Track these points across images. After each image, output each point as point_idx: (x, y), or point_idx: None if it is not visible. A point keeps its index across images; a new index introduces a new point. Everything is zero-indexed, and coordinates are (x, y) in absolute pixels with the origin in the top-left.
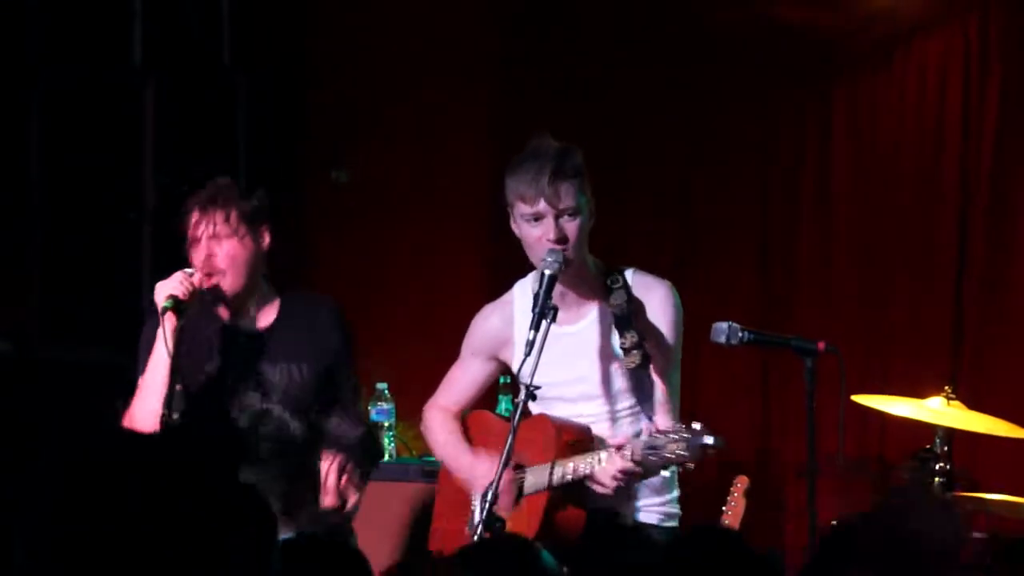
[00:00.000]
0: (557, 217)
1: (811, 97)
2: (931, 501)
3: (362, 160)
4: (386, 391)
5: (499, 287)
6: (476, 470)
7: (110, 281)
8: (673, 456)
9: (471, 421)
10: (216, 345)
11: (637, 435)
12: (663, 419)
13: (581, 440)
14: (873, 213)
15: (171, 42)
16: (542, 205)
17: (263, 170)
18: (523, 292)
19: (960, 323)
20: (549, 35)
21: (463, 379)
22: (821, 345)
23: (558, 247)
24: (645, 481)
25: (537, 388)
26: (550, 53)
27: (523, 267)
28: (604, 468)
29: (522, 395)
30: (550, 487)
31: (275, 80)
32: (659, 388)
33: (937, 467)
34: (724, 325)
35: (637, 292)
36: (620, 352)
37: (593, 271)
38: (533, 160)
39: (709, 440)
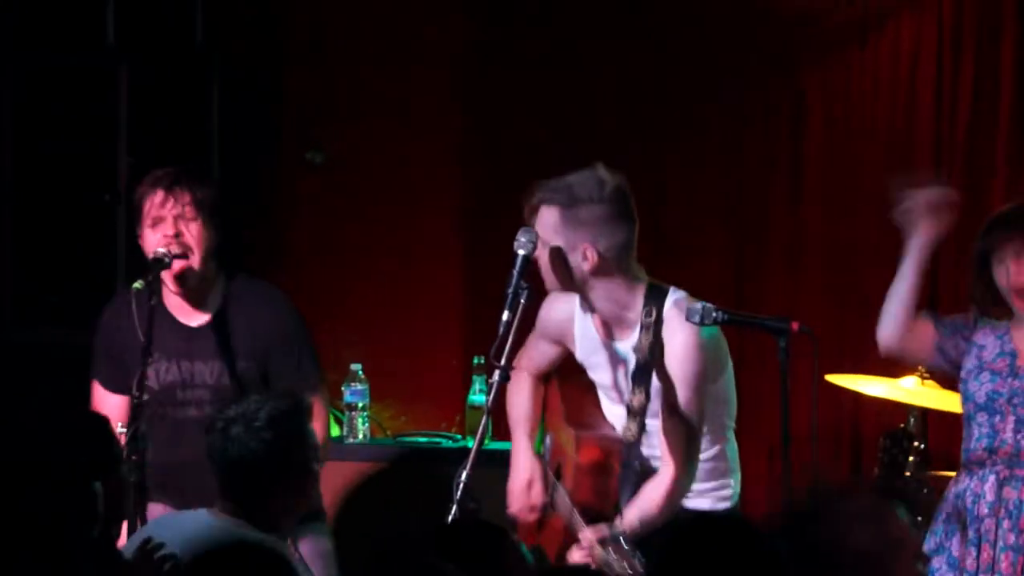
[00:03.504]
0: None
1: (784, 81)
2: (852, 506)
3: (337, 143)
4: (360, 372)
5: (473, 269)
6: (515, 462)
7: (84, 264)
8: None
9: (550, 389)
10: (161, 339)
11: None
12: (634, 511)
13: (600, 463)
14: (847, 195)
15: (145, 24)
16: None
17: (237, 153)
18: None
19: (933, 304)
20: (523, 20)
21: (536, 352)
22: (795, 325)
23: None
24: (700, 465)
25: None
26: (524, 38)
27: (497, 249)
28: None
29: (496, 376)
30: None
31: (249, 63)
32: (663, 447)
33: (912, 446)
34: (698, 305)
35: (665, 332)
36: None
37: (637, 288)
38: None
39: None
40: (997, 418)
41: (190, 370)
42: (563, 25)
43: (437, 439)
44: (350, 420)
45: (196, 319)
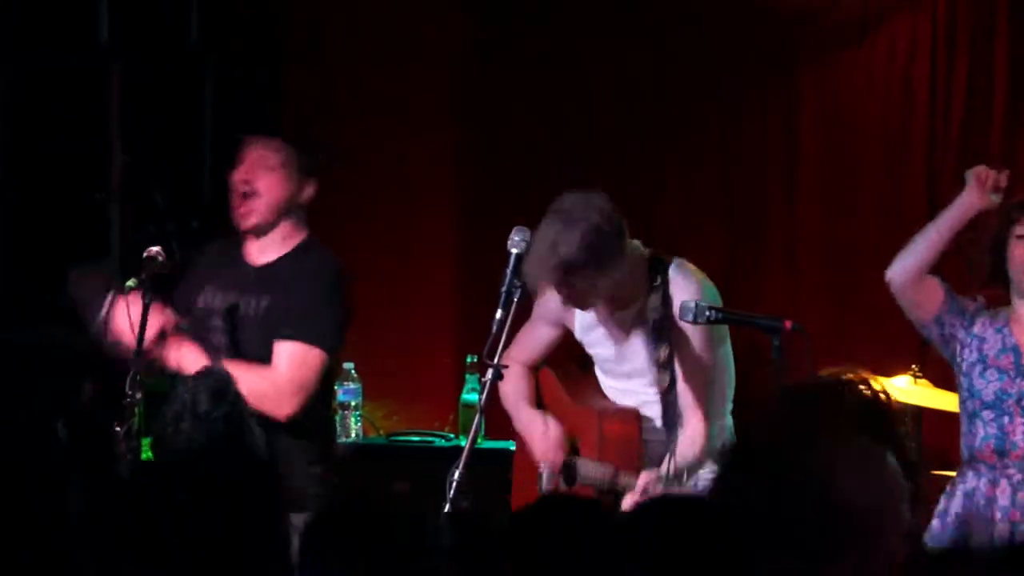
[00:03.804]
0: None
1: (781, 79)
2: (836, 454)
3: (335, 142)
4: (353, 371)
5: (469, 267)
6: (532, 428)
7: (80, 263)
8: None
9: (541, 377)
10: (212, 278)
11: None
12: (678, 457)
13: (624, 433)
14: (843, 193)
15: (138, 22)
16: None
17: (231, 152)
18: None
19: None
20: (521, 18)
21: (532, 339)
22: (788, 323)
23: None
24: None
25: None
26: (522, 36)
27: (494, 248)
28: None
29: (489, 375)
30: (597, 488)
31: (246, 61)
32: (685, 399)
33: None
34: (691, 303)
35: (673, 291)
36: (654, 367)
37: (641, 265)
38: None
39: None
40: (1006, 419)
41: (235, 300)
42: (561, 24)
43: (430, 438)
44: (343, 419)
45: (257, 260)
